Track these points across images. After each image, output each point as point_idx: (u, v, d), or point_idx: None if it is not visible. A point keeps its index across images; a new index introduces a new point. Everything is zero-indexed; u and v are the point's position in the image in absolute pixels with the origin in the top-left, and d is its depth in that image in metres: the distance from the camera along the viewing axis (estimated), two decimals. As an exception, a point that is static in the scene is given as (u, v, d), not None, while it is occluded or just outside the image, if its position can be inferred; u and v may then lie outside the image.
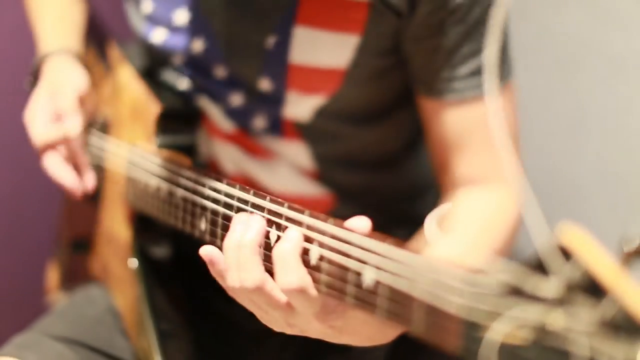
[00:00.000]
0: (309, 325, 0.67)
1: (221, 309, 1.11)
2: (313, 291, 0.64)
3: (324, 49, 0.91)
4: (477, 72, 0.89)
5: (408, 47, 0.91)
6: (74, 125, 1.01)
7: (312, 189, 1.03)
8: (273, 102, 0.97)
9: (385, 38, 0.91)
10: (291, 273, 0.64)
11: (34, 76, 1.09)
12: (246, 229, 0.69)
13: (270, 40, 0.93)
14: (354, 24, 0.90)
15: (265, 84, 0.95)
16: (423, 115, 0.95)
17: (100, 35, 1.22)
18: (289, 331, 0.70)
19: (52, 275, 1.29)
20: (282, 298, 0.67)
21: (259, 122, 0.99)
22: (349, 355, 1.03)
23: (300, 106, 0.96)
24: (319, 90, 0.94)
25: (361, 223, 0.63)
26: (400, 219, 1.04)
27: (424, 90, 0.92)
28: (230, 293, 0.72)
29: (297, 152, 1.00)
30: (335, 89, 0.94)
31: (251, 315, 1.07)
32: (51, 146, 1.01)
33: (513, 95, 0.93)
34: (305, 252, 0.65)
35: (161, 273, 1.02)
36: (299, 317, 0.67)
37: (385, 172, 1.05)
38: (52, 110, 1.03)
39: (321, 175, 1.02)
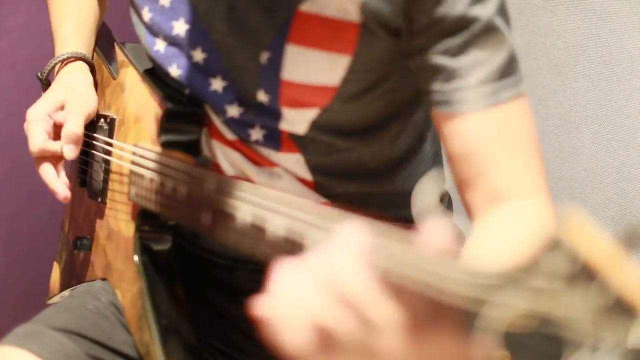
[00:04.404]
0: (395, 346, 0.53)
1: (221, 306, 1.12)
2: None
3: (315, 67, 0.92)
4: (487, 81, 0.87)
5: (414, 61, 0.91)
6: (71, 151, 1.05)
7: (310, 198, 1.03)
8: (269, 114, 0.97)
9: (377, 55, 0.91)
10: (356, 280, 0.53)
11: (46, 74, 1.13)
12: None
13: (264, 56, 0.94)
14: (345, 44, 0.90)
15: (262, 97, 0.96)
16: (439, 130, 0.92)
17: (106, 37, 1.24)
18: None
19: (55, 275, 1.30)
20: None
21: (256, 133, 1.00)
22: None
23: (295, 120, 0.97)
24: (310, 105, 0.95)
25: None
26: (399, 224, 1.04)
27: (435, 104, 0.90)
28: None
29: (295, 163, 1.01)
30: (327, 104, 0.95)
31: (247, 314, 1.08)
32: (45, 157, 1.06)
33: (528, 103, 0.91)
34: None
35: (163, 269, 1.03)
36: (384, 336, 0.53)
37: (383, 182, 1.06)
38: (58, 120, 1.07)
39: (319, 185, 1.03)
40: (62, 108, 1.08)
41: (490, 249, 0.80)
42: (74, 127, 1.05)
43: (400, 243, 0.57)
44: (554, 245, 0.46)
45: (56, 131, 1.06)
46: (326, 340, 0.53)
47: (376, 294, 0.52)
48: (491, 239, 0.83)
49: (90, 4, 1.21)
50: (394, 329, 0.52)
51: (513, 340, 0.47)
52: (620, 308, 0.44)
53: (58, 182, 1.05)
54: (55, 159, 1.07)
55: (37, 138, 1.04)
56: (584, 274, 0.45)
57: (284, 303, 0.54)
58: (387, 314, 0.52)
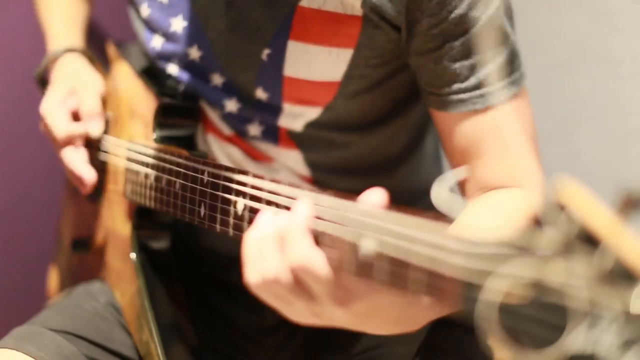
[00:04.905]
0: (332, 312, 0.65)
1: (219, 306, 1.11)
2: (322, 267, 0.63)
3: (317, 63, 0.92)
4: (486, 82, 0.88)
5: (414, 61, 0.90)
6: (96, 126, 1.06)
7: None
8: (268, 111, 0.97)
9: (379, 50, 0.91)
10: (299, 247, 0.63)
11: (44, 71, 1.13)
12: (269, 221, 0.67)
13: (265, 53, 0.93)
14: (347, 38, 0.90)
15: (260, 93, 0.96)
16: (437, 126, 0.94)
17: (99, 35, 1.24)
18: (316, 322, 0.67)
19: (53, 277, 1.29)
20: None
21: (254, 129, 0.99)
22: (346, 356, 1.04)
23: (295, 116, 0.97)
24: (313, 102, 0.95)
25: (376, 196, 0.62)
26: None
27: (434, 104, 0.91)
28: (253, 289, 0.69)
29: (293, 159, 1.01)
30: (329, 101, 0.95)
31: (249, 314, 1.08)
32: (72, 141, 1.04)
33: (527, 99, 0.92)
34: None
35: (161, 268, 1.02)
36: (321, 304, 0.65)
37: (382, 178, 1.04)
38: (72, 106, 1.06)
39: (317, 181, 1.02)
40: (72, 94, 1.07)
41: (472, 225, 0.82)
42: (92, 104, 1.06)
43: (398, 217, 0.57)
44: (553, 213, 0.46)
45: (73, 117, 1.06)
46: (271, 286, 0.65)
47: (310, 257, 0.62)
48: (474, 217, 0.86)
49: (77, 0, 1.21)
50: (325, 288, 0.62)
51: (512, 312, 0.47)
52: (621, 274, 0.43)
53: (84, 166, 1.04)
54: (77, 144, 1.06)
55: (61, 124, 1.03)
56: (583, 241, 0.44)
57: (250, 246, 0.66)
58: (316, 274, 0.62)
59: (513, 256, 0.47)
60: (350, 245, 0.60)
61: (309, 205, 0.65)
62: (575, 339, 0.43)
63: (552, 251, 0.45)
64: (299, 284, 0.64)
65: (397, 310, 0.65)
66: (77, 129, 1.04)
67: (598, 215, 0.44)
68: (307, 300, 0.65)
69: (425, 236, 0.54)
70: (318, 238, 0.63)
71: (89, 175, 1.03)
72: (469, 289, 0.49)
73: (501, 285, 0.47)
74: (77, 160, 1.04)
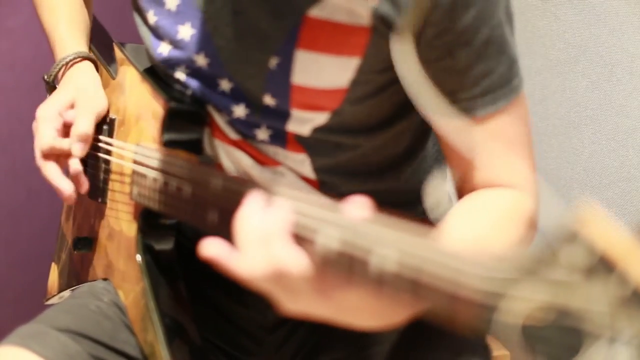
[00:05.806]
0: (313, 304, 0.67)
1: (221, 305, 1.12)
2: (299, 266, 0.65)
3: (325, 71, 0.92)
4: (490, 90, 0.88)
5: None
6: (81, 149, 1.05)
7: None
8: (276, 116, 0.97)
9: (386, 57, 0.91)
10: (277, 246, 0.65)
11: (54, 76, 1.14)
12: (262, 212, 0.69)
13: (273, 61, 0.94)
14: (355, 47, 0.90)
15: (268, 100, 0.96)
16: (439, 132, 0.94)
17: (104, 37, 1.23)
18: (298, 307, 0.69)
19: (53, 276, 1.29)
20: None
21: (262, 133, 1.00)
22: (347, 353, 1.05)
23: (303, 121, 0.97)
24: (320, 108, 0.95)
25: (359, 204, 0.64)
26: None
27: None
28: (244, 280, 0.70)
29: (300, 162, 1.01)
30: (336, 106, 0.95)
31: (250, 313, 1.09)
32: (52, 154, 1.05)
33: (525, 103, 0.93)
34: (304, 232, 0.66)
35: (165, 269, 1.02)
36: (302, 296, 0.67)
37: (386, 179, 1.06)
38: (68, 119, 1.07)
39: (323, 184, 1.03)
40: (72, 107, 1.08)
41: (460, 225, 0.84)
42: (84, 126, 1.06)
43: (416, 237, 0.57)
44: (572, 237, 0.46)
45: (65, 130, 1.07)
46: (256, 280, 0.67)
47: (286, 256, 0.65)
48: (462, 215, 0.88)
49: (78, 4, 1.22)
50: (304, 282, 0.65)
51: (531, 333, 0.47)
52: (637, 299, 0.44)
53: (63, 180, 1.05)
54: (61, 158, 1.06)
55: (47, 135, 1.04)
56: (601, 266, 0.45)
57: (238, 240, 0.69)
58: (296, 268, 0.64)
59: (534, 280, 0.48)
60: (359, 263, 0.60)
61: (288, 206, 0.67)
62: (593, 358, 0.44)
63: (572, 276, 0.46)
64: (279, 279, 0.66)
65: (380, 302, 0.65)
66: (61, 145, 1.05)
67: (617, 241, 0.45)
68: (289, 292, 0.67)
69: (445, 258, 0.54)
70: (304, 240, 0.65)
71: (67, 190, 1.04)
72: (488, 311, 0.50)
73: (521, 308, 0.48)
74: (55, 175, 1.05)
